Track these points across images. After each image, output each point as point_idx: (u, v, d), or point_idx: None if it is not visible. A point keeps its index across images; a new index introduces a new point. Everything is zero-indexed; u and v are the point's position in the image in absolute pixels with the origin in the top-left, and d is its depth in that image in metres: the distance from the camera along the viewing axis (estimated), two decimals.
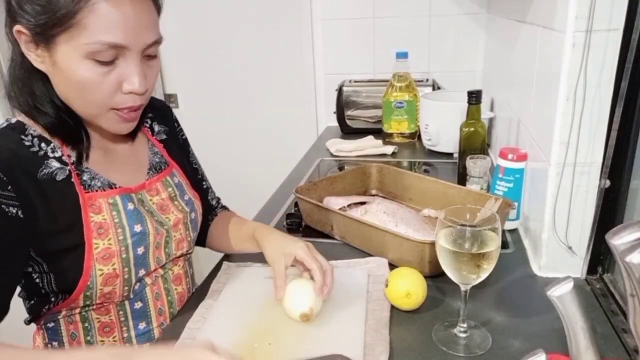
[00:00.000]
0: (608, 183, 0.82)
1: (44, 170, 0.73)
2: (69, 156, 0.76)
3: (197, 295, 0.91)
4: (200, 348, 0.57)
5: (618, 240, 0.51)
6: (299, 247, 0.83)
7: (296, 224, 1.17)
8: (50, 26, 0.66)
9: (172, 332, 0.81)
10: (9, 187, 0.68)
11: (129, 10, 0.67)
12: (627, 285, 0.52)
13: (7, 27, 0.71)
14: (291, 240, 0.86)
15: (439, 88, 1.85)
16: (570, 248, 0.87)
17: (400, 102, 1.73)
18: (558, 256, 0.88)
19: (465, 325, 0.76)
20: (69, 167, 0.75)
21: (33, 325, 0.86)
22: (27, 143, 0.73)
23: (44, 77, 0.72)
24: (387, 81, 1.76)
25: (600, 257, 0.87)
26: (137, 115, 0.77)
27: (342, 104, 1.86)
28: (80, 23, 0.65)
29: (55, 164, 0.74)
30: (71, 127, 0.75)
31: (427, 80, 1.85)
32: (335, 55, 2.02)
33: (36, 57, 0.70)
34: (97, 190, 0.77)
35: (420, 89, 1.76)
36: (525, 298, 0.86)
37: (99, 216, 0.76)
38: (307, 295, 0.78)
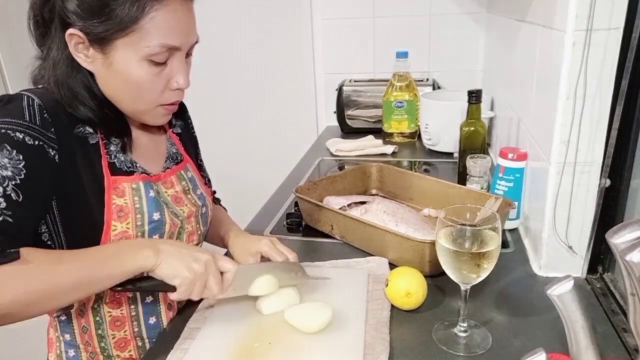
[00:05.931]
0: (608, 182, 0.82)
1: (80, 129, 0.76)
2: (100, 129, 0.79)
3: None
4: (204, 253, 0.73)
5: (618, 239, 0.51)
6: (263, 244, 0.88)
7: (296, 224, 1.17)
8: (112, 32, 0.71)
9: (173, 331, 0.81)
10: (52, 129, 0.71)
11: (182, 15, 0.74)
12: (628, 284, 0.52)
13: (38, 29, 0.75)
14: (255, 239, 0.92)
15: (439, 88, 1.85)
16: (570, 247, 0.87)
17: (400, 102, 1.73)
18: (558, 255, 0.88)
19: (465, 324, 0.76)
20: (99, 136, 0.78)
21: (47, 317, 0.86)
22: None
23: (86, 75, 0.76)
24: (387, 81, 1.76)
25: (601, 256, 0.87)
26: (177, 106, 0.83)
27: (342, 104, 1.86)
28: (142, 28, 0.71)
29: (88, 129, 0.77)
30: (112, 120, 0.79)
31: (427, 79, 1.85)
32: (335, 55, 2.02)
33: (86, 58, 0.74)
34: (120, 170, 0.79)
35: (420, 88, 1.76)
36: (525, 297, 0.86)
37: (122, 199, 0.78)
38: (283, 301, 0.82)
